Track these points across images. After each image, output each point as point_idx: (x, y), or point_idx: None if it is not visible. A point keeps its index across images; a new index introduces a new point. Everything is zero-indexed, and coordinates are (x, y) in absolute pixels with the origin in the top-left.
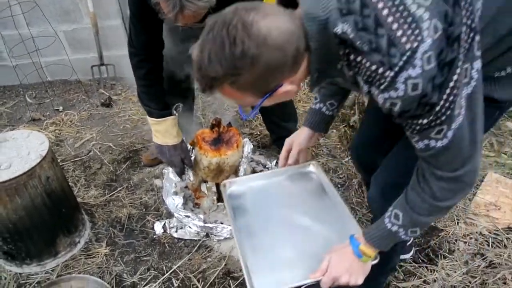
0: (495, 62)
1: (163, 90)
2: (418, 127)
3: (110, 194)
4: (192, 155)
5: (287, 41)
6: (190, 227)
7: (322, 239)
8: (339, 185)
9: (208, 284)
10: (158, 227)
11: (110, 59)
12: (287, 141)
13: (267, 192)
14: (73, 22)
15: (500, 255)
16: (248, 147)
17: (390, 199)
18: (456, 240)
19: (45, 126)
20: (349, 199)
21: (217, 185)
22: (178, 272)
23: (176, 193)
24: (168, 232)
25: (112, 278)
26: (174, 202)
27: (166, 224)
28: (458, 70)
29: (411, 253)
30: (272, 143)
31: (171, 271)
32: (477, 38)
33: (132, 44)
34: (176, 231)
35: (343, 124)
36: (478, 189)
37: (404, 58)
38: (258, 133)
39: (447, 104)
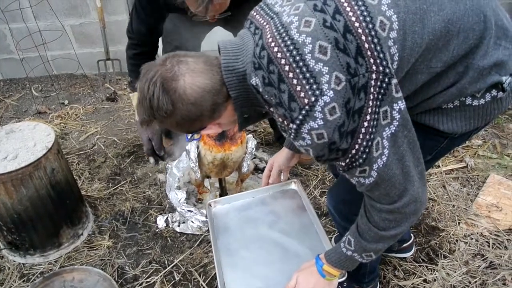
0: (439, 96)
1: None
2: (341, 167)
3: (114, 188)
4: (197, 150)
5: (202, 97)
6: (192, 221)
7: (297, 258)
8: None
9: (209, 278)
10: (160, 221)
11: (116, 54)
12: (270, 161)
13: (250, 210)
14: (80, 17)
15: (501, 256)
16: (252, 143)
17: (345, 214)
18: (456, 240)
19: (50, 119)
20: None
21: (220, 181)
22: (180, 265)
23: (179, 188)
24: (171, 226)
25: (114, 271)
26: (177, 196)
27: (168, 218)
28: (368, 117)
29: (412, 251)
30: (276, 140)
31: (172, 264)
32: (394, 81)
33: (131, 31)
34: (179, 226)
35: None
36: (480, 190)
37: (303, 112)
38: (262, 130)
39: (361, 148)
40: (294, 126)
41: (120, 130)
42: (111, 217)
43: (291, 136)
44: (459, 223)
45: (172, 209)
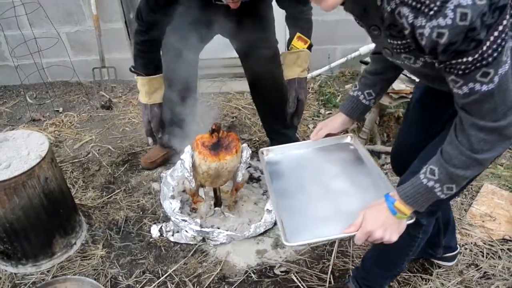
0: None
1: (153, 58)
2: (462, 67)
3: (108, 196)
4: (191, 159)
5: None
6: (186, 231)
7: (357, 200)
8: None
9: None
10: (154, 231)
11: (112, 62)
12: (320, 124)
13: (303, 160)
14: (76, 24)
15: (495, 266)
16: (246, 152)
17: None
18: None
19: (44, 126)
20: None
21: (215, 190)
22: (174, 276)
23: (173, 197)
24: (165, 235)
25: (108, 281)
26: (171, 206)
27: (162, 227)
28: (507, 17)
29: (453, 262)
30: None
31: (166, 274)
32: None
33: (140, 18)
34: (173, 235)
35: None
36: (474, 200)
37: None
38: (257, 139)
39: (494, 46)
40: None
41: (114, 138)
42: (104, 226)
43: (431, 12)
44: None
45: (166, 219)
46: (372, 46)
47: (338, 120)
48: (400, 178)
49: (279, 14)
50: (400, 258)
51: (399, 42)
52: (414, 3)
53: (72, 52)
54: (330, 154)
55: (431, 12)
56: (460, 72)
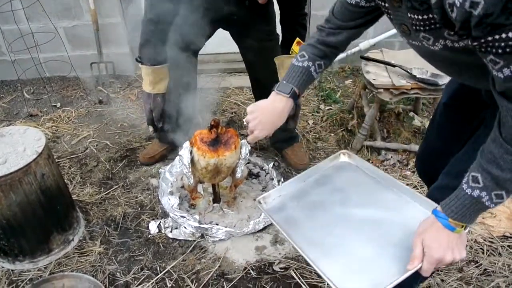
0: None
1: (161, 48)
2: (502, 45)
3: (106, 192)
4: (190, 155)
5: None
6: (185, 227)
7: (394, 225)
8: None
9: (202, 285)
10: (153, 227)
11: (110, 57)
12: (251, 120)
13: (307, 197)
14: (74, 19)
15: (495, 263)
16: (245, 148)
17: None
18: None
19: (42, 122)
20: None
21: (214, 186)
22: (172, 272)
23: (172, 193)
24: (163, 232)
25: (105, 277)
26: (169, 202)
27: (161, 224)
28: None
29: None
30: (270, 145)
31: (164, 271)
32: None
33: (152, 8)
34: (171, 231)
35: (341, 128)
36: None
37: None
38: None
39: None
40: None
41: (112, 133)
42: (102, 223)
43: None
44: None
45: (165, 215)
46: (372, 41)
47: (279, 106)
48: (427, 193)
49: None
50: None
51: (420, 17)
52: None
53: (70, 47)
54: (332, 181)
55: None
56: (500, 50)
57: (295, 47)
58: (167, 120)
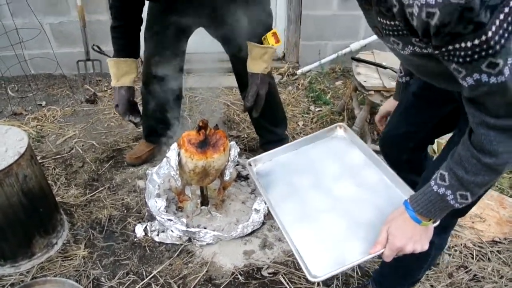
0: None
1: (126, 44)
2: (462, 54)
3: (91, 194)
4: (178, 157)
5: None
6: (172, 231)
7: (370, 207)
8: None
9: None
10: (139, 230)
11: (97, 55)
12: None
13: (296, 165)
14: (60, 15)
15: (484, 269)
16: (234, 150)
17: None
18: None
19: (26, 121)
20: None
21: (202, 189)
22: (158, 277)
23: (159, 195)
24: (149, 235)
25: (90, 282)
26: (156, 204)
27: (147, 227)
28: None
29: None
30: (259, 147)
31: (150, 276)
32: None
33: (109, 2)
34: (158, 235)
35: None
36: None
37: None
38: (246, 136)
39: (501, 32)
40: None
41: (99, 133)
42: (87, 225)
43: None
44: None
45: (151, 218)
46: (363, 42)
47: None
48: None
49: None
50: (415, 271)
51: (388, 22)
52: None
53: (56, 44)
54: (323, 152)
55: None
56: (461, 60)
57: (269, 37)
58: (154, 123)
